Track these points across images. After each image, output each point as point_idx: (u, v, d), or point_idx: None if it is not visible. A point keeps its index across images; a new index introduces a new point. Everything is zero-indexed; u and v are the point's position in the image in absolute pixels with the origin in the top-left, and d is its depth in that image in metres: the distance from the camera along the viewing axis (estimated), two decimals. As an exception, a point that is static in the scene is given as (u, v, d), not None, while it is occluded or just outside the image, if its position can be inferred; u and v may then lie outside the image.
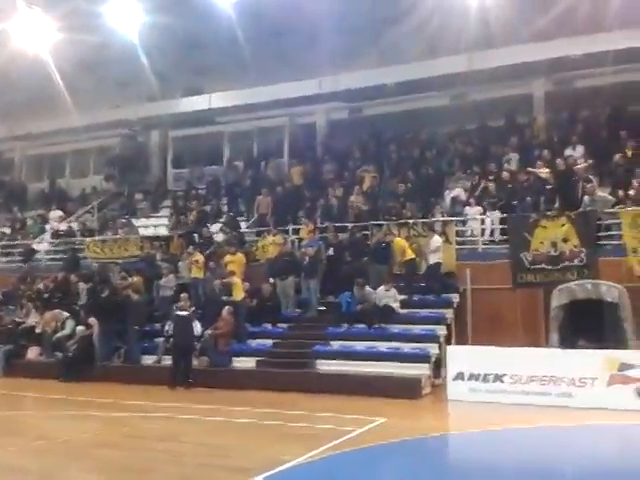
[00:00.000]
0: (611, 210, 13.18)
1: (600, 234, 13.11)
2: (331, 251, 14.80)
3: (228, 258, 14.98)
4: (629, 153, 14.51)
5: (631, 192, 13.28)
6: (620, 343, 10.92)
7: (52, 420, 10.13)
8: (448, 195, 15.81)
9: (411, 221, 14.75)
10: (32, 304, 16.44)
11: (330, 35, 17.67)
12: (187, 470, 7.00)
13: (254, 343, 13.78)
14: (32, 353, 15.37)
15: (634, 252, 12.14)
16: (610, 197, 13.51)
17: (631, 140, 14.93)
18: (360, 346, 12.75)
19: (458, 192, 15.58)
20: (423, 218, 14.92)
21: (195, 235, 17.21)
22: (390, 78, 17.99)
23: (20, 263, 19.65)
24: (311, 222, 15.74)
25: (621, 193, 13.52)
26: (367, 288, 13.29)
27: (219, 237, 17.06)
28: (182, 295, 13.83)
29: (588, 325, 11.35)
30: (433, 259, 13.59)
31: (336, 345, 13.01)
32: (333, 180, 18.07)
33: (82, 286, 16.09)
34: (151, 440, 8.50)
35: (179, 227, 18.12)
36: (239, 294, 13.99)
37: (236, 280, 14.12)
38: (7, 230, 21.85)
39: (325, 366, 12.58)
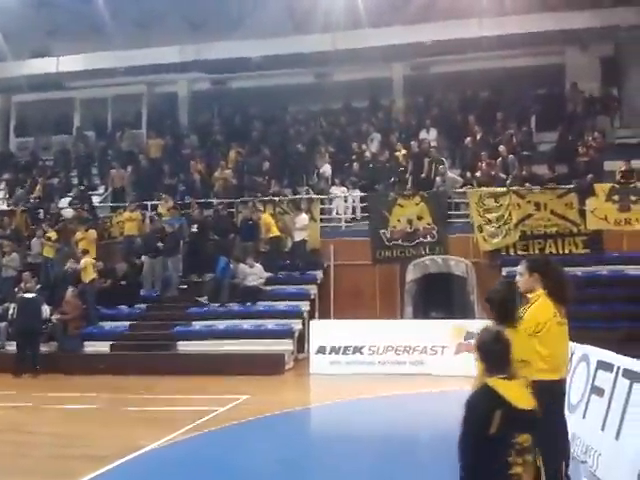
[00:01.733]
0: (460, 190, 14.14)
1: (450, 212, 14.05)
2: (195, 228, 14.35)
3: (79, 235, 14.04)
4: (477, 137, 15.59)
5: (477, 174, 14.32)
6: (467, 313, 11.82)
7: None
8: (314, 172, 15.98)
9: (277, 198, 14.74)
10: None
11: (190, 2, 16.98)
12: (34, 462, 6.48)
13: (108, 326, 13.10)
14: None
15: (480, 230, 13.14)
16: (459, 178, 14.50)
17: (479, 125, 16.05)
18: (223, 325, 12.58)
19: (324, 169, 15.80)
20: (289, 196, 14.95)
21: (40, 210, 15.85)
22: (254, 52, 17.67)
23: None
24: (170, 198, 15.11)
25: (469, 175, 14.54)
26: (240, 265, 13.12)
27: (68, 213, 15.85)
28: (24, 275, 12.74)
29: (439, 297, 12.15)
30: (299, 236, 13.72)
31: (198, 325, 12.74)
32: (195, 154, 17.49)
33: None
34: (-7, 433, 7.76)
35: (21, 201, 16.56)
36: (89, 275, 13.11)
37: (86, 260, 13.21)
38: None
39: (187, 347, 12.28)
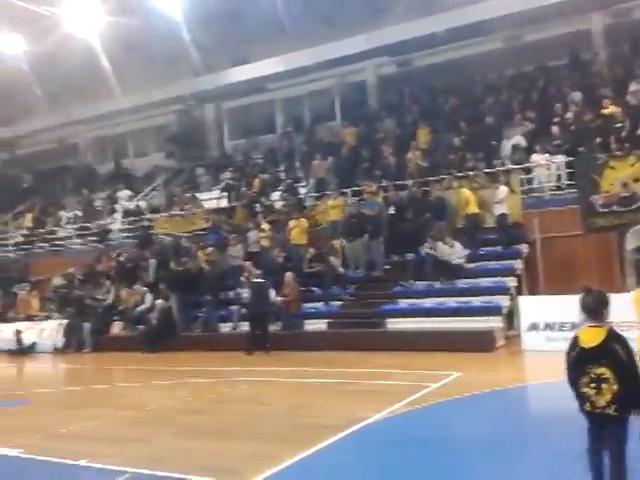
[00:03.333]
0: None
1: (675, 171, 12.46)
2: (392, 210, 14.70)
3: (292, 224, 15.21)
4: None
5: None
6: None
7: (140, 390, 10.56)
8: (508, 143, 15.32)
9: (472, 173, 14.43)
10: (111, 282, 17.24)
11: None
12: (271, 429, 7.19)
13: (323, 306, 13.97)
14: (116, 328, 16.20)
15: None
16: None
17: None
18: (429, 303, 12.73)
19: (518, 139, 15.07)
20: (485, 169, 14.53)
21: (256, 204, 17.47)
22: (438, 26, 17.42)
23: (95, 243, 20.56)
24: (373, 182, 15.62)
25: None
26: (438, 243, 13.16)
27: (279, 205, 17.28)
28: (247, 264, 14.20)
29: (667, 266, 10.91)
30: (499, 210, 13.26)
31: (404, 303, 13.04)
32: (388, 138, 17.82)
33: (153, 261, 16.74)
34: (236, 403, 8.83)
35: (240, 198, 18.42)
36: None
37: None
38: (79, 212, 22.72)
39: (395, 324, 12.65)
